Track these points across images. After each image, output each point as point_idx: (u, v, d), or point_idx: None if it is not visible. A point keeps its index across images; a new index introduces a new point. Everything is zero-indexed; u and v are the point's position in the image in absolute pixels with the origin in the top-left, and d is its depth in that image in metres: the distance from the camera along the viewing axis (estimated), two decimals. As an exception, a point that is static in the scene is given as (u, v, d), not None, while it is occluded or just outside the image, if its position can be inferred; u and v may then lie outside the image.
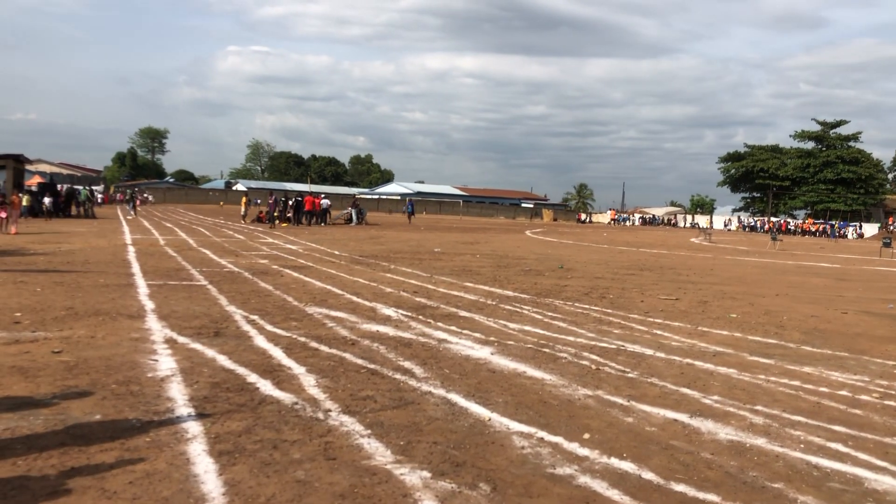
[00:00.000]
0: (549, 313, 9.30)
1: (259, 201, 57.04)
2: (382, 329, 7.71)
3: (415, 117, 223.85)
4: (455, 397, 5.18)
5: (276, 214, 33.76)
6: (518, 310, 9.48)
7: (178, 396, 4.88)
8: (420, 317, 8.57)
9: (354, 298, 9.89)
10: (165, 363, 5.77)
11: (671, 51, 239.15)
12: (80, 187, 41.49)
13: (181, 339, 6.69)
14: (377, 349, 6.69)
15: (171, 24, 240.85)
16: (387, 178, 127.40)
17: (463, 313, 9.01)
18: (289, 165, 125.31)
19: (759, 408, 5.26)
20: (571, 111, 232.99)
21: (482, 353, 6.76)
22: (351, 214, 38.71)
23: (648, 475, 3.85)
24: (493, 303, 10.08)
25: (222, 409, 4.64)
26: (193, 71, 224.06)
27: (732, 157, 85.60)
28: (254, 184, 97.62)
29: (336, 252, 18.22)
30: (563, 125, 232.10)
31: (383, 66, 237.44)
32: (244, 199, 38.34)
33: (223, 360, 5.94)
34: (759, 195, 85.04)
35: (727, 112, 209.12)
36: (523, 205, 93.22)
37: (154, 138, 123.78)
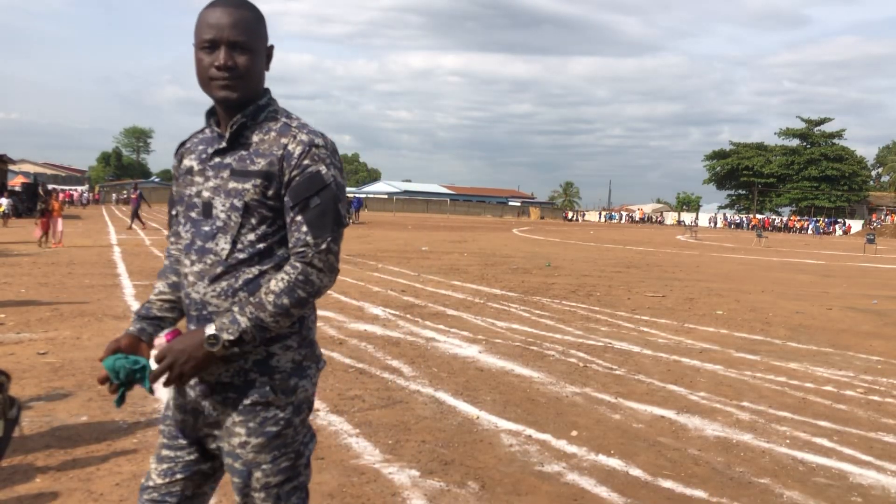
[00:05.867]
0: (537, 311, 9.32)
1: None
2: (370, 328, 7.70)
3: (400, 116, 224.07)
4: (443, 396, 5.19)
5: None
6: (506, 308, 9.50)
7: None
8: (408, 315, 8.56)
9: (342, 297, 9.86)
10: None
11: (655, 48, 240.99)
12: (50, 186, 40.93)
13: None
14: (365, 348, 6.68)
15: (154, 23, 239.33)
16: (374, 177, 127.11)
17: (451, 312, 9.01)
18: None
19: (745, 404, 5.30)
20: (556, 109, 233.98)
21: (470, 351, 6.77)
22: None
23: (636, 472, 3.87)
24: (481, 301, 10.09)
25: (210, 409, 4.61)
26: (177, 69, 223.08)
27: (718, 155, 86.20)
28: None
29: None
30: (549, 123, 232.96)
31: (366, 65, 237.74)
32: None
33: (210, 361, 5.89)
34: (744, 192, 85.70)
35: (712, 109, 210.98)
36: (510, 203, 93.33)
37: (139, 138, 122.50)
